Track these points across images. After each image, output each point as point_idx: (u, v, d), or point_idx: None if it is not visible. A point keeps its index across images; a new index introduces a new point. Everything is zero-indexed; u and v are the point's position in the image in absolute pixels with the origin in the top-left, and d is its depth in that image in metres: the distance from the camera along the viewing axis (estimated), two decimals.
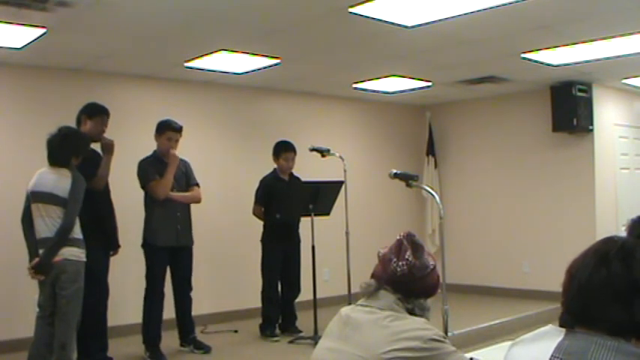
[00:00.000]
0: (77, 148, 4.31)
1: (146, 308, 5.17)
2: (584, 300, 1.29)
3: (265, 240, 5.98)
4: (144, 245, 5.24)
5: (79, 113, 4.82)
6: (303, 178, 6.05)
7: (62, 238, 4.07)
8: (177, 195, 5.24)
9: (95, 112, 4.79)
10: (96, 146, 4.86)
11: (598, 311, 1.26)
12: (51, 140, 4.25)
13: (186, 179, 5.38)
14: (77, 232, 4.18)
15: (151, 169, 5.16)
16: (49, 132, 4.26)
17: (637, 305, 1.24)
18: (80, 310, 4.19)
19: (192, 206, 5.45)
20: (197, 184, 5.45)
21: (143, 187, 5.19)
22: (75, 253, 4.12)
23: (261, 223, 5.99)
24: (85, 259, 4.19)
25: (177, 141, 5.25)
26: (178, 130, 5.25)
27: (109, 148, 4.76)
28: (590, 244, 1.38)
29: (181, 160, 5.33)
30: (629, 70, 6.62)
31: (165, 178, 5.13)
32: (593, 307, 1.27)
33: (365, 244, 6.53)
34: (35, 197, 4.21)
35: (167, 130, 5.22)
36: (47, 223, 4.11)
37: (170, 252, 5.21)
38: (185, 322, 5.40)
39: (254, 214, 5.98)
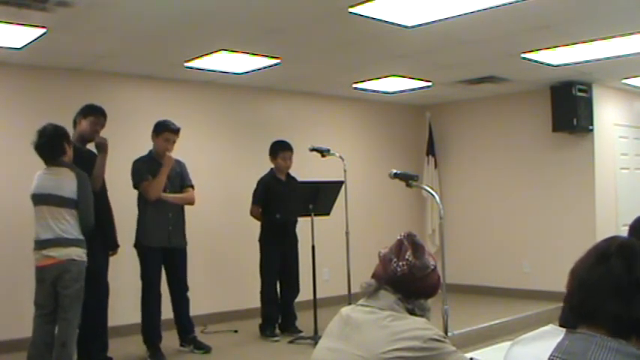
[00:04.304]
0: (63, 138, 4.32)
1: (144, 308, 5.17)
2: (584, 295, 1.31)
3: (263, 240, 5.97)
4: (136, 245, 5.23)
5: (76, 114, 4.84)
6: (304, 178, 6.05)
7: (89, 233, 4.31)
8: (169, 196, 5.20)
9: (90, 112, 4.81)
10: (91, 147, 4.87)
11: (596, 306, 1.28)
12: (39, 146, 4.25)
13: (180, 180, 5.34)
14: (79, 233, 4.21)
15: (144, 169, 5.14)
16: (32, 140, 4.26)
17: (636, 303, 1.25)
18: (81, 309, 4.21)
19: (191, 207, 5.43)
20: (192, 186, 5.40)
21: (135, 186, 5.18)
22: (79, 253, 4.18)
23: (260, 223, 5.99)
24: (86, 259, 4.22)
25: (174, 142, 5.23)
26: (176, 131, 5.23)
27: (102, 147, 4.77)
28: (590, 243, 1.41)
29: (177, 161, 5.30)
30: (629, 70, 6.62)
31: (158, 179, 5.10)
32: (591, 302, 1.29)
33: (365, 244, 6.53)
34: (39, 200, 4.22)
35: (165, 131, 5.19)
36: (51, 225, 4.13)
37: (163, 253, 5.20)
38: (183, 323, 5.39)
39: (252, 214, 5.97)
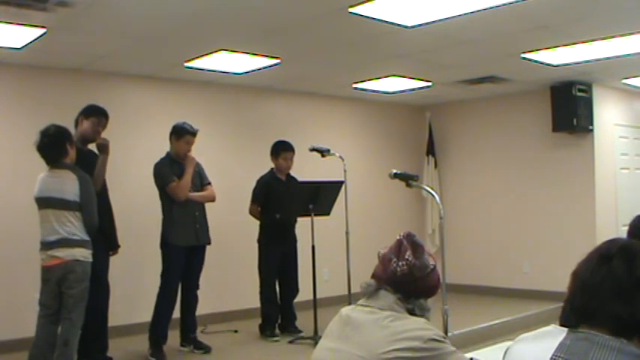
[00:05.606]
0: (65, 139, 4.31)
1: (158, 307, 5.19)
2: (586, 296, 1.32)
3: (262, 240, 5.97)
4: (163, 245, 5.26)
5: (78, 114, 4.84)
6: (304, 178, 6.05)
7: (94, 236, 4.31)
8: (195, 195, 5.31)
9: (92, 113, 4.82)
10: (92, 146, 4.87)
11: (599, 307, 1.29)
12: (41, 146, 4.24)
13: (200, 179, 5.44)
14: (85, 234, 4.22)
15: (168, 171, 5.21)
16: (34, 140, 4.24)
17: (638, 303, 1.25)
18: (84, 309, 4.22)
19: None
20: (209, 183, 5.52)
21: (162, 188, 5.22)
22: (84, 254, 4.20)
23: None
24: (91, 260, 4.24)
25: (192, 143, 5.33)
26: (196, 133, 5.33)
27: (104, 148, 4.78)
28: (590, 243, 1.41)
29: None
30: (629, 70, 6.62)
31: (185, 179, 5.20)
32: (594, 303, 1.30)
33: (365, 244, 6.53)
34: (42, 203, 4.23)
35: (187, 134, 5.28)
36: (56, 227, 4.15)
37: (186, 252, 5.25)
38: (188, 321, 5.42)
39: (250, 213, 5.97)
